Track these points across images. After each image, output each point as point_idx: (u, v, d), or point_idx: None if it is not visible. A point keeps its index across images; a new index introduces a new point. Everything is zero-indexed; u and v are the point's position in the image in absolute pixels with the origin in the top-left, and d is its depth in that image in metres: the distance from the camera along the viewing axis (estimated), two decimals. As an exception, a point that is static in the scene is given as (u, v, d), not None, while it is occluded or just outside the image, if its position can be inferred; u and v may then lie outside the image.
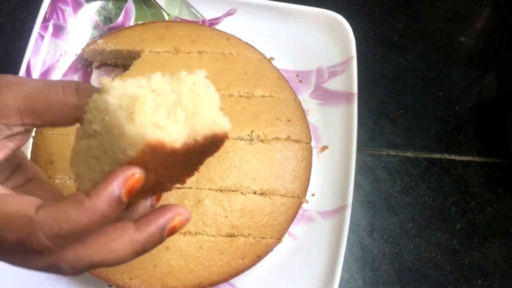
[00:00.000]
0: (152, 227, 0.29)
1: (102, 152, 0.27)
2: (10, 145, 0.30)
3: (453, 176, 0.61)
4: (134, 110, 0.25)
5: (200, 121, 0.27)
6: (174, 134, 0.26)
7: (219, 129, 0.27)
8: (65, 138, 0.51)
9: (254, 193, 0.51)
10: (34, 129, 0.32)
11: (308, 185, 0.54)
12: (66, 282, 0.50)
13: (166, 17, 0.61)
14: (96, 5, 0.60)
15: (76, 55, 0.59)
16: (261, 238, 0.51)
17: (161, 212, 0.29)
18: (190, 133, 0.27)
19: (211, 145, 0.28)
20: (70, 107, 0.29)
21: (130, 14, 0.61)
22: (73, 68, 0.58)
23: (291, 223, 0.53)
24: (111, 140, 0.26)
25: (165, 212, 0.29)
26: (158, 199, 0.33)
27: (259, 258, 0.51)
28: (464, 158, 0.62)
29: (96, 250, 0.28)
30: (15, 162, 0.34)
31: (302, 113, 0.56)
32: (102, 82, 0.27)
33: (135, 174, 0.26)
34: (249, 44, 0.59)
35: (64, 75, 0.58)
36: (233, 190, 0.51)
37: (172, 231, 0.30)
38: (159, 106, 0.26)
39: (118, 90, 0.26)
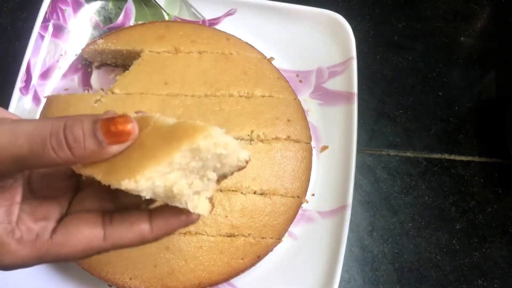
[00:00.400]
0: (164, 232, 0.31)
1: None
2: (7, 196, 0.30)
3: (453, 176, 0.61)
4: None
5: (227, 168, 0.30)
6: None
7: (242, 163, 0.31)
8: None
9: (254, 193, 0.51)
10: None
11: (308, 185, 0.54)
12: (66, 282, 0.50)
13: (166, 17, 0.61)
14: (96, 5, 0.60)
15: (76, 55, 0.59)
16: (261, 238, 0.51)
17: (176, 218, 0.31)
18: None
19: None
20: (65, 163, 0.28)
21: (130, 14, 0.61)
22: (73, 68, 0.58)
23: (291, 223, 0.53)
24: None
25: (180, 217, 0.31)
26: None
27: (259, 258, 0.51)
28: (464, 158, 0.62)
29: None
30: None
31: (302, 113, 0.56)
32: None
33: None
34: (249, 44, 0.59)
35: (64, 75, 0.58)
36: (233, 190, 0.51)
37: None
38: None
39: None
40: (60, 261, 0.31)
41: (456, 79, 0.66)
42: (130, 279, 0.48)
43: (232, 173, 0.31)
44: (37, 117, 0.54)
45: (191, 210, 0.29)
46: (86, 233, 0.30)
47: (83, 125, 0.28)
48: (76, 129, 0.27)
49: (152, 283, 0.48)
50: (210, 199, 0.30)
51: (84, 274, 0.49)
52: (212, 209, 0.30)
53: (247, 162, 0.31)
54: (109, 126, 0.28)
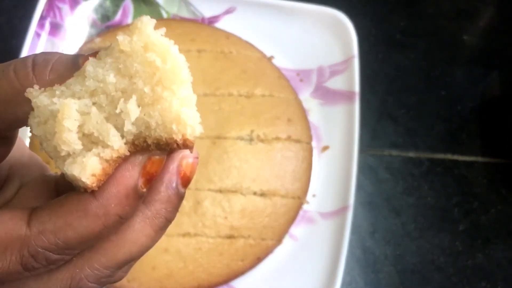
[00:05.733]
0: (162, 192, 0.23)
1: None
2: None
3: (456, 177, 0.60)
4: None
5: (157, 116, 0.21)
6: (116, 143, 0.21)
7: (181, 133, 0.21)
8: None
9: (254, 194, 0.51)
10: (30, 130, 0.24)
11: (308, 186, 0.54)
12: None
13: (165, 15, 0.60)
14: (94, 2, 0.59)
15: (73, 53, 0.58)
16: (261, 239, 0.50)
17: (163, 170, 0.23)
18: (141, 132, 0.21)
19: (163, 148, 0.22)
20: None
21: (128, 12, 0.60)
22: (70, 67, 0.58)
23: (291, 225, 0.52)
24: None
25: (167, 166, 0.23)
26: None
27: (259, 260, 0.50)
28: (467, 158, 0.61)
29: (115, 249, 0.23)
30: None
31: (303, 112, 0.56)
32: None
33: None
34: (249, 43, 0.58)
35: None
36: (232, 191, 0.50)
37: (187, 180, 0.24)
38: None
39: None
40: None
41: (459, 78, 0.65)
42: (128, 281, 0.47)
43: (164, 141, 0.21)
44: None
45: (72, 171, 0.21)
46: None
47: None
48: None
49: (151, 285, 0.48)
50: (106, 164, 0.21)
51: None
52: (99, 179, 0.21)
53: (185, 141, 0.21)
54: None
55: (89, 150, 0.21)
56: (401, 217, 0.58)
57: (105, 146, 0.21)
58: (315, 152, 0.55)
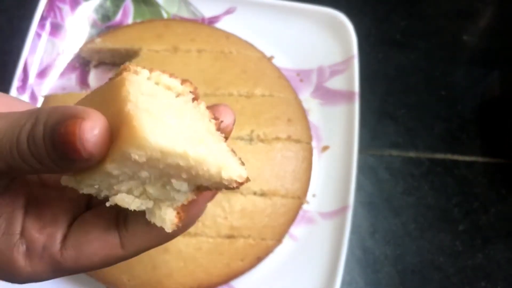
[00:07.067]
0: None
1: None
2: None
3: (456, 177, 0.60)
4: None
5: (203, 181, 0.24)
6: None
7: (229, 182, 0.24)
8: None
9: (254, 194, 0.51)
10: None
11: (308, 186, 0.54)
12: (64, 284, 0.50)
13: (165, 15, 0.60)
14: (94, 3, 0.59)
15: (73, 54, 0.58)
16: (261, 239, 0.50)
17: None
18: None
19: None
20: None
21: (128, 12, 0.60)
22: (70, 67, 0.58)
23: (291, 224, 0.52)
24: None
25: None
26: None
27: (259, 259, 0.50)
28: (467, 158, 0.61)
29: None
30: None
31: (303, 112, 0.56)
32: None
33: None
34: (249, 43, 0.58)
35: (62, 74, 0.57)
36: (232, 191, 0.50)
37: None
38: None
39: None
40: (79, 273, 0.27)
41: (459, 79, 0.65)
42: (129, 280, 0.47)
43: (219, 188, 0.24)
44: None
45: (154, 222, 0.24)
46: (101, 242, 0.25)
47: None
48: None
49: (151, 285, 0.48)
50: (180, 209, 0.24)
51: (81, 276, 0.49)
52: (179, 221, 0.24)
53: (239, 182, 0.24)
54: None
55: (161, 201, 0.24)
56: (401, 217, 0.58)
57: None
58: (315, 152, 0.55)
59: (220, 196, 0.50)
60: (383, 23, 0.67)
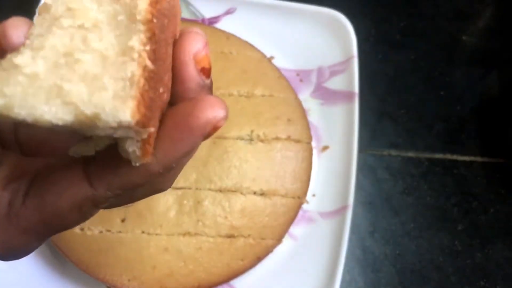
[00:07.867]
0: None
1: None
2: None
3: (455, 177, 0.60)
4: None
5: None
6: None
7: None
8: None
9: (254, 193, 0.51)
10: None
11: (308, 186, 0.54)
12: (64, 283, 0.50)
13: (165, 16, 0.60)
14: (95, 3, 0.59)
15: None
16: (261, 239, 0.50)
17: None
18: None
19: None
20: None
21: (128, 13, 0.60)
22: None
23: (291, 224, 0.52)
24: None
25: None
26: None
27: (259, 259, 0.50)
28: (466, 158, 0.61)
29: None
30: None
31: (303, 112, 0.56)
32: None
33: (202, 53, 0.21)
34: (249, 43, 0.58)
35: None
36: (232, 191, 0.50)
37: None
38: None
39: None
40: (55, 230, 0.23)
41: (458, 79, 0.65)
42: (129, 280, 0.47)
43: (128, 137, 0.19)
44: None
45: (120, 152, 0.21)
46: (63, 181, 0.22)
47: None
48: None
49: (151, 285, 0.48)
50: (145, 142, 0.20)
51: (82, 276, 0.49)
52: (147, 156, 0.20)
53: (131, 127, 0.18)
54: None
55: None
56: (400, 217, 0.58)
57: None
58: (315, 152, 0.56)
59: (220, 196, 0.50)
60: (382, 24, 0.68)
